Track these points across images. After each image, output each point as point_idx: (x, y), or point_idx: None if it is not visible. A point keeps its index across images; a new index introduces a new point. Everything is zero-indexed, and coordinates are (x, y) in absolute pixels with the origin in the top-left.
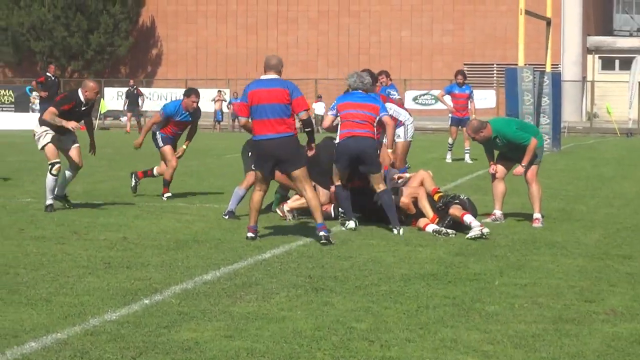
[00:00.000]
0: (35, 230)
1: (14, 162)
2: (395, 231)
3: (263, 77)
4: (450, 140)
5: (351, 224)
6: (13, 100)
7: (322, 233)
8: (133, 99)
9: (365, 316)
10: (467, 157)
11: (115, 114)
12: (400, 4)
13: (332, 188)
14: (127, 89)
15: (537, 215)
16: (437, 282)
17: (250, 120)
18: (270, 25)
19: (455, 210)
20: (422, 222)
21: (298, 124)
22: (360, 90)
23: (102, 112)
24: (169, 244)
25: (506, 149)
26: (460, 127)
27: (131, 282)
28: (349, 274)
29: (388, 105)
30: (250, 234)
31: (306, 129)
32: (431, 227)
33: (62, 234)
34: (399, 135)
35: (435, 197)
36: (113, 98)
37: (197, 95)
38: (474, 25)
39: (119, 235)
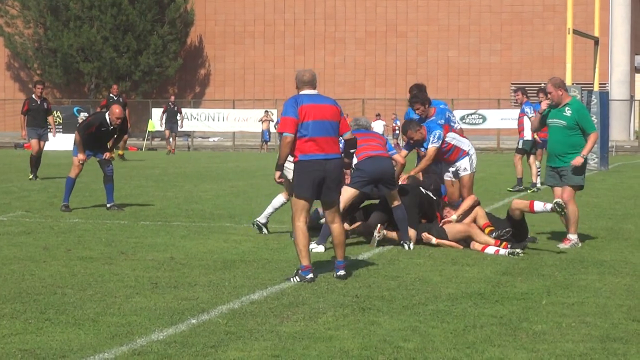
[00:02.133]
0: (83, 251)
1: (62, 182)
2: (405, 246)
3: (308, 92)
4: (538, 164)
5: (320, 248)
6: (61, 121)
7: (341, 272)
8: (171, 116)
9: (412, 336)
10: (537, 180)
11: (163, 135)
12: (448, 24)
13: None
14: (166, 105)
15: (571, 236)
16: (484, 302)
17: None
18: (318, 45)
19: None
20: (477, 245)
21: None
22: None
23: (150, 131)
24: (216, 264)
25: (559, 135)
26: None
27: (178, 302)
28: (396, 294)
29: (450, 135)
30: (310, 275)
31: (351, 150)
32: (503, 252)
33: (110, 254)
34: (465, 168)
35: (486, 232)
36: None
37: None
38: (522, 44)
39: (166, 255)
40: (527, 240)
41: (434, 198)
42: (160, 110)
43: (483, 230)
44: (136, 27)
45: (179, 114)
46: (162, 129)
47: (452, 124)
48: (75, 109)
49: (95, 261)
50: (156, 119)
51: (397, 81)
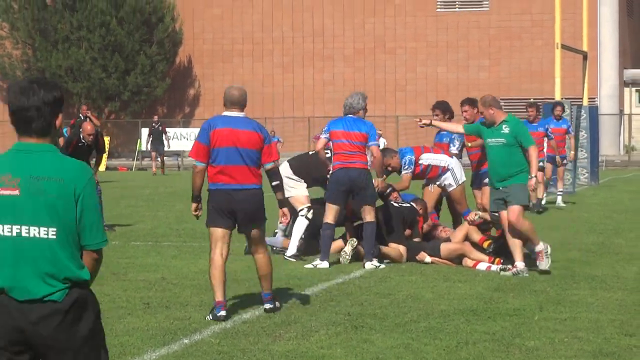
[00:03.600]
0: None
1: None
2: (369, 265)
3: (229, 113)
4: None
5: (325, 264)
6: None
7: (267, 305)
8: (157, 137)
9: (405, 353)
10: (559, 199)
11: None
12: (436, 41)
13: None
14: (150, 126)
15: (518, 263)
16: (477, 318)
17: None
18: (306, 63)
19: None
20: (469, 262)
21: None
22: (350, 115)
23: (139, 151)
24: (208, 284)
25: (501, 154)
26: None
27: (171, 322)
28: (388, 311)
29: (423, 157)
30: (221, 313)
31: (274, 183)
32: (494, 267)
33: (101, 275)
34: (450, 184)
35: (485, 245)
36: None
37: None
38: (510, 60)
39: (158, 275)
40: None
41: (410, 205)
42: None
43: (482, 245)
44: (124, 48)
45: (164, 134)
46: (149, 149)
47: (451, 145)
48: (64, 130)
49: None
50: (145, 139)
51: (386, 98)
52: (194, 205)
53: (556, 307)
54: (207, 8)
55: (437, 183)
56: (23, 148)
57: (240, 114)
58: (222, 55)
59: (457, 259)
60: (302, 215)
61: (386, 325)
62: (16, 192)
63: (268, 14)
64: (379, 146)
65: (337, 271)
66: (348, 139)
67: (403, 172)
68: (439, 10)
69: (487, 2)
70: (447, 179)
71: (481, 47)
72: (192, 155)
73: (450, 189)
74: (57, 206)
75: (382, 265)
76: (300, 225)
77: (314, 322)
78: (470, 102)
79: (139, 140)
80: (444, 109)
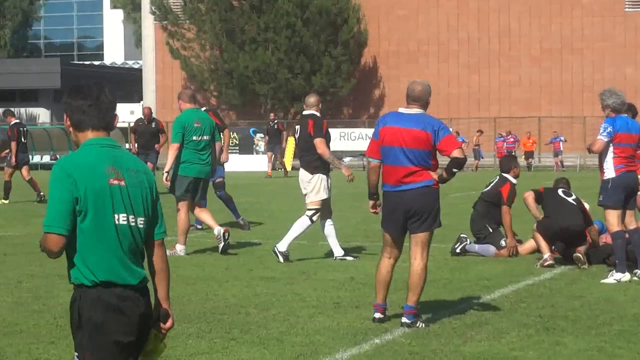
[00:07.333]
0: (264, 271)
1: (241, 203)
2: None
3: (403, 110)
4: None
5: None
6: (238, 142)
7: (404, 319)
8: (274, 135)
9: (599, 356)
10: None
11: (338, 155)
12: (624, 41)
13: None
14: (267, 125)
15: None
16: None
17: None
18: (492, 63)
19: None
20: None
21: None
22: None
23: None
24: (397, 284)
25: None
26: None
27: (361, 321)
28: (580, 314)
29: None
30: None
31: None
32: None
33: (291, 274)
34: None
35: None
36: (335, 139)
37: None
38: None
39: (347, 275)
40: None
41: None
42: (336, 130)
43: None
44: (310, 49)
45: (283, 132)
46: (266, 150)
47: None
48: (251, 130)
49: (277, 281)
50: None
51: (573, 98)
52: (370, 202)
53: None
54: (392, 9)
55: None
56: (105, 143)
57: (417, 111)
58: (407, 56)
59: None
60: (308, 216)
61: (578, 328)
62: (123, 183)
63: (453, 15)
64: None
65: (527, 273)
66: (631, 142)
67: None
68: (627, 10)
69: None
70: None
71: None
72: (367, 152)
73: None
74: (147, 197)
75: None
76: (303, 228)
77: (505, 323)
78: None
79: None
80: (634, 113)
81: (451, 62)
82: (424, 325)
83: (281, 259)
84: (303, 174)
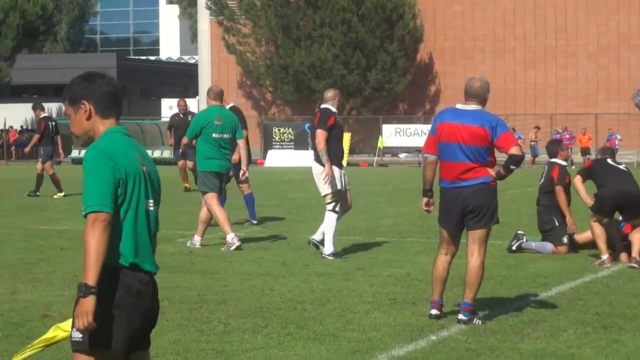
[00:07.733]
0: (320, 266)
1: (296, 198)
2: None
3: (459, 106)
4: None
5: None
6: (293, 137)
7: (461, 316)
8: None
9: None
10: None
11: (393, 151)
12: None
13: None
14: None
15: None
16: None
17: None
18: (549, 59)
19: None
20: None
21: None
22: None
23: (380, 148)
24: (453, 280)
25: None
26: None
27: (417, 318)
28: (638, 312)
29: None
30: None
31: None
32: None
33: (347, 270)
34: None
35: None
36: (391, 135)
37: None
38: None
39: (402, 271)
40: None
41: None
42: (391, 126)
43: None
44: (365, 44)
45: None
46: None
47: None
48: (306, 126)
49: (333, 277)
50: (386, 135)
51: (630, 95)
52: (424, 200)
53: None
54: (448, 5)
55: None
56: (125, 131)
57: (474, 107)
58: (463, 52)
59: None
60: (330, 210)
61: (636, 326)
62: (147, 170)
63: (510, 10)
64: None
65: (584, 270)
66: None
67: None
68: None
69: None
70: None
71: None
72: (424, 147)
73: None
74: (160, 186)
75: None
76: (332, 221)
77: (562, 321)
78: None
79: (380, 136)
80: None
81: (507, 58)
82: (480, 322)
83: (333, 259)
84: (315, 166)
